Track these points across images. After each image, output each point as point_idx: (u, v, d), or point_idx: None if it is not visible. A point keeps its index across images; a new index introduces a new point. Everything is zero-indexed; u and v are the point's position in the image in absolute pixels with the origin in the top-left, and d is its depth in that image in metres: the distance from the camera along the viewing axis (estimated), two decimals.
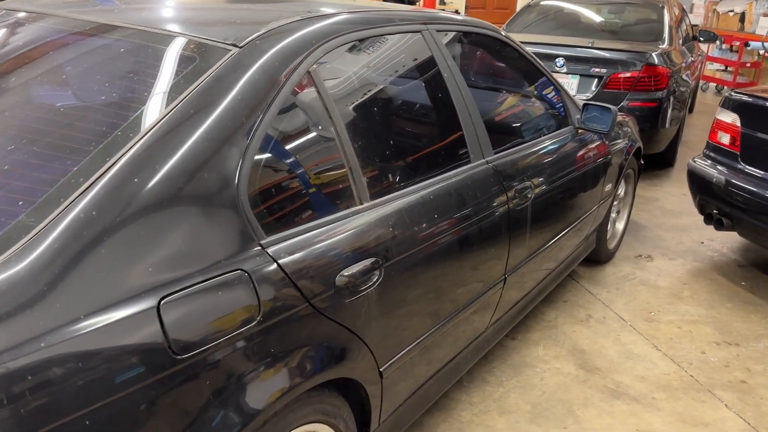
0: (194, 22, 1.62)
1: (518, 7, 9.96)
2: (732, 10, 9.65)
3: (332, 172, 1.55)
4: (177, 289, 1.12)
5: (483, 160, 2.06)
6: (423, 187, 1.78)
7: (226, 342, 1.18)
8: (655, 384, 2.53)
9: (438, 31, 2.05)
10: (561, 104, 2.73)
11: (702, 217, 3.53)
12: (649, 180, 5.12)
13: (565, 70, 4.70)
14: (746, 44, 8.72)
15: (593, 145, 2.83)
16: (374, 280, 1.54)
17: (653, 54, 4.62)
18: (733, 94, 3.38)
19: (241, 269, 1.23)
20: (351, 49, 1.73)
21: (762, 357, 2.76)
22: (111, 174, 1.12)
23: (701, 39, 6.62)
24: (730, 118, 3.34)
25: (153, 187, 1.14)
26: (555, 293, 3.17)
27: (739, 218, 3.21)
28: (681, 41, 5.51)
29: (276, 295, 1.29)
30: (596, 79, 4.66)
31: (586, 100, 4.04)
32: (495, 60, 2.75)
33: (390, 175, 1.77)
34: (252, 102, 1.35)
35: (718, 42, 7.53)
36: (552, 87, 2.71)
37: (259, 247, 1.29)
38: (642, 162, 3.68)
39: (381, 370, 1.65)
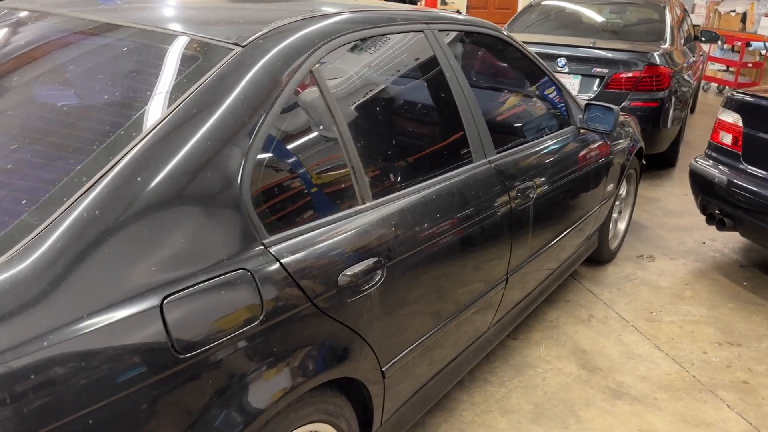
0: (197, 21, 1.62)
1: (519, 7, 9.96)
2: (733, 10, 9.65)
3: (335, 172, 1.55)
4: (180, 288, 1.12)
5: (485, 160, 2.05)
6: (425, 187, 1.78)
7: (228, 341, 1.18)
8: (657, 384, 2.53)
9: (440, 30, 2.04)
10: (563, 104, 2.73)
11: (704, 218, 3.53)
12: (651, 180, 5.12)
13: (566, 70, 4.69)
14: (748, 44, 8.72)
15: (595, 145, 2.82)
16: (377, 279, 1.53)
17: (655, 54, 4.61)
18: (735, 94, 3.38)
19: (244, 269, 1.23)
20: (353, 49, 1.72)
21: (764, 357, 2.76)
22: (114, 173, 1.12)
23: (703, 39, 6.62)
24: (732, 118, 3.33)
25: (156, 186, 1.14)
26: (557, 293, 3.17)
27: (741, 218, 3.21)
28: (683, 41, 5.50)
29: (278, 294, 1.29)
30: (598, 79, 4.66)
31: (588, 100, 4.03)
32: (497, 60, 2.75)
33: (392, 175, 1.77)
34: (255, 101, 1.35)
35: (719, 42, 7.53)
36: (554, 87, 2.70)
37: (262, 247, 1.29)
38: (644, 162, 3.68)
39: (383, 369, 1.65)
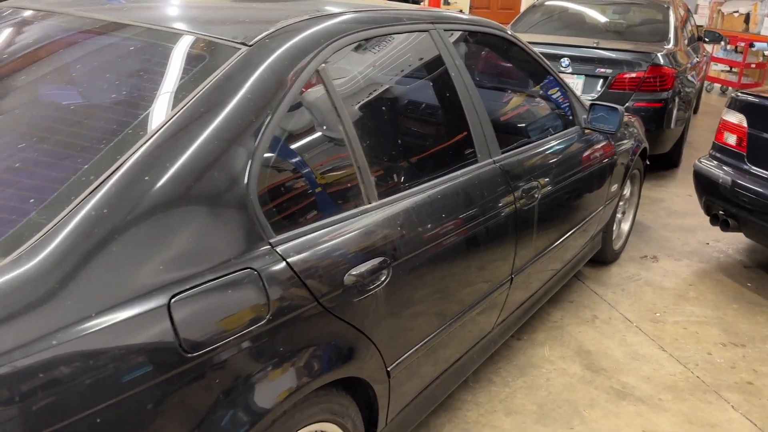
0: (203, 20, 1.62)
1: (522, 8, 9.96)
2: (737, 11, 9.64)
3: (341, 171, 1.55)
4: (187, 287, 1.12)
5: (490, 160, 2.05)
6: (430, 187, 1.78)
7: (235, 341, 1.18)
8: (662, 385, 2.52)
9: (445, 30, 2.04)
10: (567, 104, 2.72)
11: (707, 218, 3.53)
12: (654, 181, 5.11)
13: (570, 70, 4.69)
14: (751, 45, 8.70)
15: (599, 146, 2.82)
16: (382, 279, 1.53)
17: (659, 54, 4.61)
18: (739, 94, 3.37)
19: (251, 268, 1.23)
20: (359, 48, 1.72)
21: None
22: (121, 172, 1.12)
23: (706, 40, 6.61)
24: (737, 118, 3.33)
25: (163, 185, 1.14)
26: (560, 294, 3.17)
27: (746, 219, 3.20)
28: (686, 42, 5.50)
29: (285, 293, 1.29)
30: (601, 80, 4.66)
31: (593, 100, 4.03)
32: (502, 60, 2.75)
33: (398, 175, 1.77)
34: (261, 101, 1.35)
35: (722, 43, 7.51)
36: (559, 87, 2.70)
37: (269, 246, 1.29)
38: (648, 163, 3.68)
39: (389, 369, 1.65)
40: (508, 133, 2.33)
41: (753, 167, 3.22)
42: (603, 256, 3.43)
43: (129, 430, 1.02)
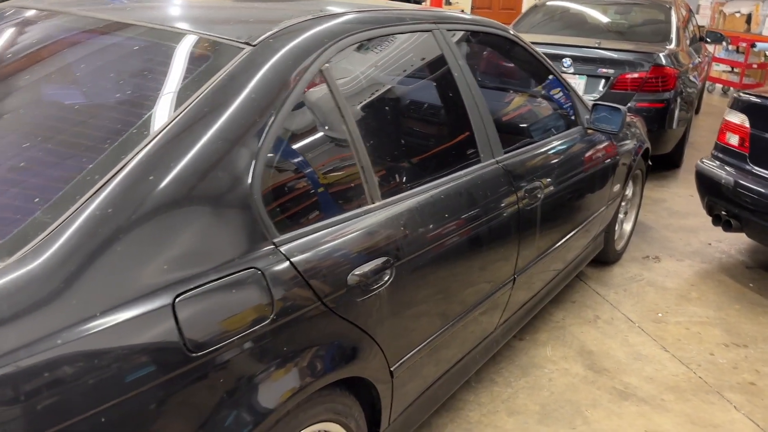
0: (206, 20, 1.62)
1: (524, 8, 9.96)
2: (738, 11, 9.63)
3: (344, 171, 1.55)
4: (192, 287, 1.12)
5: (493, 160, 2.05)
6: (433, 187, 1.78)
7: (239, 340, 1.18)
8: (664, 385, 2.52)
9: (448, 30, 2.04)
10: (570, 104, 2.72)
11: (709, 219, 3.52)
12: (656, 181, 5.11)
13: (572, 70, 4.69)
14: (753, 45, 8.69)
15: (602, 146, 2.82)
16: (386, 279, 1.53)
17: (661, 55, 4.61)
18: (742, 95, 3.37)
19: (255, 267, 1.23)
20: (363, 48, 1.72)
21: None
22: (126, 172, 1.12)
23: (708, 40, 6.60)
24: (739, 119, 3.32)
25: (168, 185, 1.14)
26: (563, 294, 3.16)
27: (748, 219, 3.20)
28: (688, 42, 5.49)
29: (289, 293, 1.29)
30: (603, 80, 4.65)
31: (595, 100, 4.02)
32: (505, 60, 2.75)
33: (401, 175, 1.77)
34: (265, 100, 1.35)
35: (724, 43, 7.51)
36: (561, 87, 2.70)
37: (273, 246, 1.29)
38: (650, 163, 3.68)
39: (392, 369, 1.65)
40: (511, 133, 2.33)
41: (755, 167, 3.22)
42: (605, 257, 3.43)
43: (133, 430, 1.02)
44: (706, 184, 3.43)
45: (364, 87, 1.73)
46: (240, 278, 1.20)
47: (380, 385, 1.62)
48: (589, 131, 2.74)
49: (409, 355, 1.71)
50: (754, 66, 8.94)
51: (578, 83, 4.69)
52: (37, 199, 1.09)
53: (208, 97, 1.28)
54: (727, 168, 3.34)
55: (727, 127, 3.42)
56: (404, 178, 1.76)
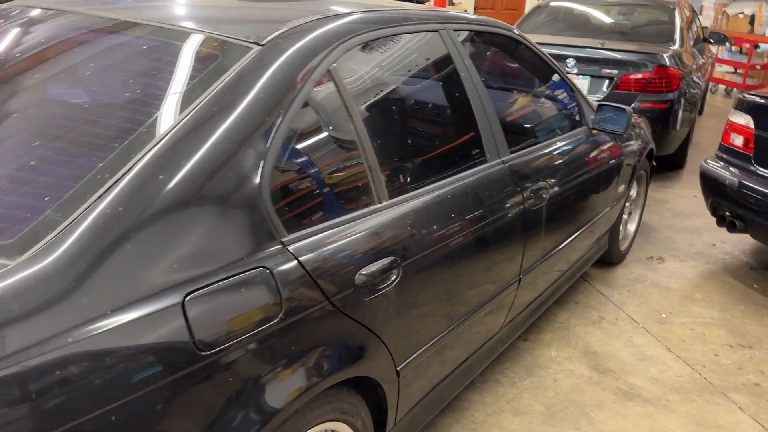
0: (214, 20, 1.62)
1: (527, 8, 9.96)
2: (742, 12, 9.62)
3: (352, 171, 1.55)
4: (201, 285, 1.12)
5: (499, 160, 2.05)
6: (440, 187, 1.78)
7: (248, 339, 1.18)
8: (669, 386, 2.52)
9: (455, 30, 2.04)
10: (575, 104, 2.72)
11: (713, 219, 3.52)
12: (660, 182, 5.11)
13: (575, 71, 4.69)
14: (756, 46, 8.69)
15: (607, 147, 2.82)
16: (393, 278, 1.53)
17: (664, 55, 4.60)
18: (746, 96, 3.37)
19: (263, 267, 1.23)
20: (370, 48, 1.73)
21: None
22: (136, 171, 1.12)
23: (712, 41, 6.60)
24: (744, 119, 3.32)
25: (177, 184, 1.14)
26: (567, 295, 3.16)
27: (752, 220, 3.19)
28: (692, 43, 5.49)
29: (297, 292, 1.29)
30: (607, 80, 4.65)
31: (600, 100, 4.02)
32: (510, 60, 2.75)
33: (408, 174, 1.77)
34: (274, 100, 1.35)
35: (727, 44, 7.50)
36: (567, 87, 2.70)
37: (281, 245, 1.29)
38: (654, 163, 3.67)
39: (398, 369, 1.65)
40: (517, 133, 2.33)
41: (760, 168, 3.21)
42: (609, 257, 3.43)
43: (143, 428, 1.02)
44: (711, 185, 3.43)
45: (372, 87, 1.73)
46: (249, 277, 1.20)
47: (387, 385, 1.62)
48: (594, 132, 2.74)
49: (415, 355, 1.71)
50: (758, 67, 8.93)
51: (582, 84, 4.68)
52: (47, 198, 1.09)
53: (217, 97, 1.28)
54: (732, 169, 3.34)
55: (732, 128, 3.41)
56: (411, 178, 1.76)
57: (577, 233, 2.63)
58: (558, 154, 2.42)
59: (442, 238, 1.71)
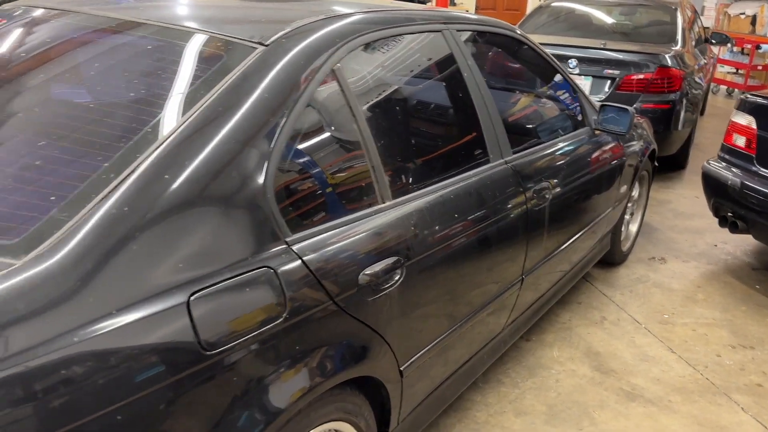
0: (218, 20, 1.62)
1: (528, 8, 9.96)
2: (743, 13, 9.62)
3: (355, 171, 1.55)
4: (206, 285, 1.12)
5: (502, 160, 2.05)
6: (443, 187, 1.78)
7: (252, 339, 1.18)
8: (671, 386, 2.52)
9: (458, 30, 2.04)
10: (578, 105, 2.72)
11: (715, 220, 3.52)
12: (661, 182, 5.10)
13: (577, 71, 4.69)
14: (757, 47, 8.68)
15: (609, 147, 2.82)
16: (396, 279, 1.53)
17: (666, 56, 4.60)
18: (749, 96, 3.36)
19: (268, 266, 1.23)
20: (373, 48, 1.73)
21: None
22: (141, 170, 1.12)
23: (713, 41, 6.60)
24: (746, 120, 3.32)
25: (183, 184, 1.14)
26: (569, 295, 3.16)
27: (754, 221, 3.19)
28: (694, 43, 5.48)
29: (301, 292, 1.29)
30: (609, 81, 4.65)
31: (603, 101, 4.02)
32: (513, 60, 2.75)
33: (411, 174, 1.77)
34: (278, 100, 1.35)
35: (729, 45, 7.50)
36: (569, 87, 2.70)
37: (285, 245, 1.29)
38: (656, 164, 3.67)
39: (401, 369, 1.65)
40: (520, 134, 2.33)
41: (762, 169, 3.21)
42: (611, 258, 3.43)
43: (148, 428, 1.03)
44: (713, 186, 3.43)
45: (375, 87, 1.73)
46: (254, 277, 1.20)
47: (390, 385, 1.62)
48: (597, 132, 2.74)
49: (418, 355, 1.72)
50: (759, 68, 8.92)
51: (584, 84, 4.68)
52: (53, 197, 1.09)
53: (222, 97, 1.28)
54: (734, 169, 3.34)
55: (734, 128, 3.41)
56: (415, 178, 1.76)
57: (580, 234, 2.63)
58: (561, 154, 2.42)
59: (445, 238, 1.71)
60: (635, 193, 3.52)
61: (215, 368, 1.11)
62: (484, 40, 2.37)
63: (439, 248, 1.69)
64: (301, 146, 1.41)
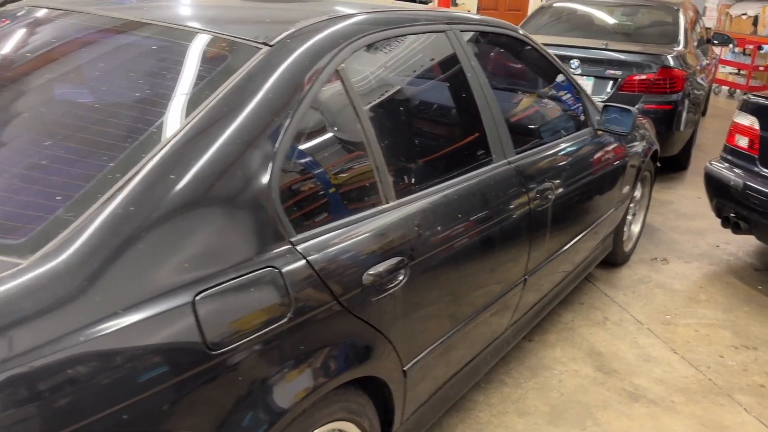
0: (223, 20, 1.63)
1: (530, 9, 9.96)
2: (745, 14, 9.62)
3: (359, 171, 1.55)
4: (211, 285, 1.12)
5: (505, 161, 2.05)
6: (447, 187, 1.78)
7: (257, 339, 1.18)
8: (674, 387, 2.52)
9: (461, 31, 2.05)
10: (581, 105, 2.72)
11: (717, 221, 3.52)
12: (663, 183, 5.10)
13: (579, 71, 4.69)
14: (759, 48, 8.68)
15: (612, 147, 2.82)
16: (400, 279, 1.54)
17: (669, 56, 4.60)
18: (751, 97, 3.36)
19: (272, 266, 1.24)
20: (377, 49, 1.73)
21: None
22: (147, 170, 1.13)
23: (715, 42, 6.59)
24: (749, 121, 3.32)
25: (188, 184, 1.15)
26: (571, 295, 3.16)
27: (757, 222, 3.19)
28: (696, 44, 5.48)
29: (306, 292, 1.29)
30: (611, 81, 4.65)
31: (605, 101, 4.02)
32: (516, 60, 2.75)
33: (415, 175, 1.77)
34: (283, 101, 1.35)
35: (731, 45, 7.50)
36: (572, 88, 2.70)
37: (290, 245, 1.29)
38: (658, 164, 3.67)
39: (405, 369, 1.65)
40: (523, 134, 2.33)
41: (764, 170, 3.21)
42: (614, 258, 3.43)
43: (153, 427, 1.03)
44: (715, 186, 3.42)
45: (379, 87, 1.73)
46: (258, 277, 1.20)
47: (393, 385, 1.62)
48: (600, 132, 2.74)
49: (421, 355, 1.72)
50: (761, 68, 8.92)
51: (586, 85, 4.68)
52: (59, 197, 1.09)
53: (227, 97, 1.28)
54: (737, 170, 3.34)
55: (737, 129, 3.41)
56: (418, 178, 1.76)
57: (582, 234, 2.63)
58: (563, 155, 2.42)
59: (448, 238, 1.71)
60: (637, 193, 3.52)
61: (220, 368, 1.12)
62: (487, 40, 2.38)
63: (442, 248, 1.69)
64: (305, 146, 1.41)
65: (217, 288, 1.13)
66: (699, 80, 5.10)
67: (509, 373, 2.53)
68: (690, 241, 4.00)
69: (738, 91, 9.11)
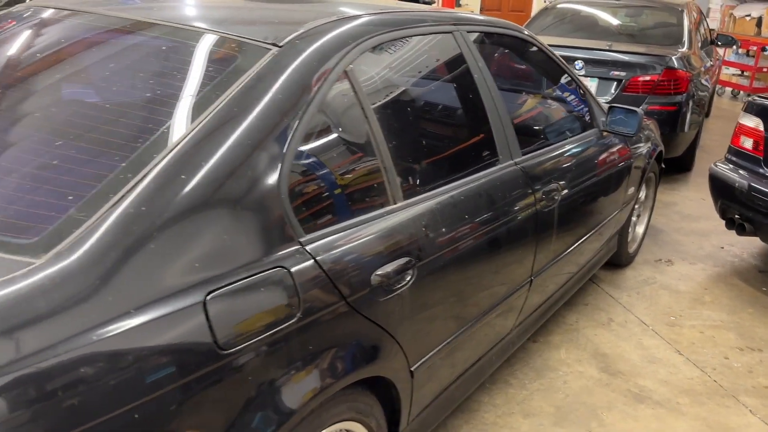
0: (231, 21, 1.63)
1: (534, 10, 9.96)
2: (749, 15, 9.61)
3: (367, 172, 1.56)
4: (222, 284, 1.12)
5: (511, 162, 2.06)
6: (454, 188, 1.79)
7: (267, 338, 1.18)
8: (679, 388, 2.52)
9: (468, 31, 2.05)
10: (586, 106, 2.72)
11: (721, 222, 3.52)
12: (667, 184, 5.10)
13: (583, 72, 4.69)
14: (763, 49, 8.67)
15: (617, 149, 2.82)
16: (408, 279, 1.54)
17: (673, 58, 4.60)
18: (756, 98, 3.36)
19: (282, 266, 1.24)
20: (385, 49, 1.73)
21: None
22: (158, 170, 1.13)
23: (719, 43, 6.59)
24: (754, 122, 3.32)
25: (199, 184, 1.15)
26: (576, 297, 3.16)
27: (761, 223, 3.19)
28: (700, 45, 5.48)
29: (315, 292, 1.29)
30: (615, 82, 4.65)
31: (611, 102, 4.02)
32: (522, 61, 2.75)
33: (422, 175, 1.77)
34: (292, 101, 1.36)
35: (734, 47, 7.49)
36: (578, 88, 2.70)
37: (299, 245, 1.30)
38: (663, 166, 3.67)
39: (412, 369, 1.65)
40: (529, 135, 2.33)
41: None
42: (618, 259, 3.43)
43: (164, 427, 1.03)
44: (720, 188, 3.42)
45: (387, 88, 1.73)
46: (268, 277, 1.20)
47: (400, 385, 1.62)
48: (605, 134, 2.74)
49: (428, 356, 1.72)
50: (764, 70, 8.91)
51: (590, 86, 4.68)
52: (71, 197, 1.10)
53: (237, 98, 1.29)
54: (741, 171, 3.34)
55: (741, 130, 3.41)
56: (426, 179, 1.77)
57: (588, 235, 2.63)
58: (569, 155, 2.42)
59: (456, 239, 1.71)
60: (642, 194, 3.52)
61: (230, 368, 1.12)
62: (493, 41, 2.38)
63: (449, 249, 1.69)
64: (314, 147, 1.42)
65: (227, 288, 1.13)
66: (703, 81, 5.09)
67: (514, 374, 2.53)
68: (694, 242, 4.00)
69: (741, 92, 9.10)
